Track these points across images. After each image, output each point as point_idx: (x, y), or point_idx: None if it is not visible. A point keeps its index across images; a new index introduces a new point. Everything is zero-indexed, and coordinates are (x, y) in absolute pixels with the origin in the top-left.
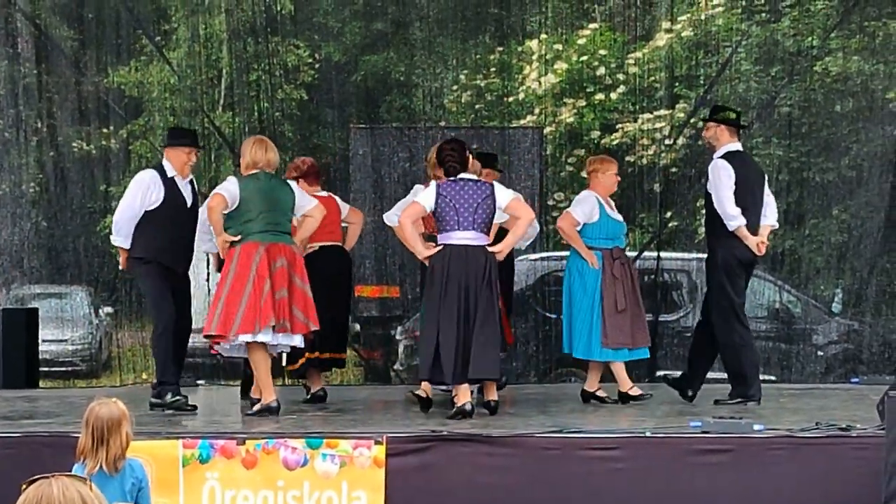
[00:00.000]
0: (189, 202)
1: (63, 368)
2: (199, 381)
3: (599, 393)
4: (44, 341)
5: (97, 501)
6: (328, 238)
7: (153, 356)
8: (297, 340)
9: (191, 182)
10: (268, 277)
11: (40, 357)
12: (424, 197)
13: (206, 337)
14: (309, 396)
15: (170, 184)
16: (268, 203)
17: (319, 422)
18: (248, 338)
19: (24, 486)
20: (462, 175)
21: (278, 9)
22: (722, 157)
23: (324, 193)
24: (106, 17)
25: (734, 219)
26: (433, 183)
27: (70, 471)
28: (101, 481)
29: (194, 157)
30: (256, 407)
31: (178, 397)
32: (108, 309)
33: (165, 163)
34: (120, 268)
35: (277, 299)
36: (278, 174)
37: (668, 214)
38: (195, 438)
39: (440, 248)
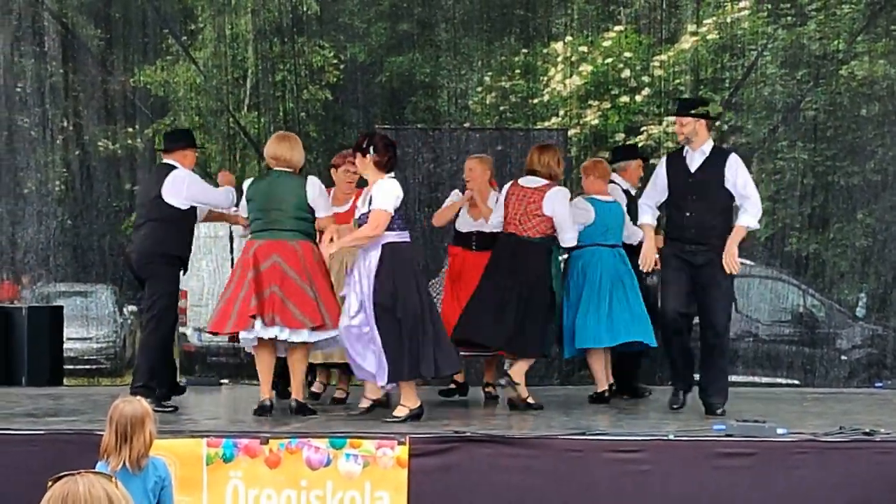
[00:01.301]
0: None
1: (87, 366)
2: (222, 381)
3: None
4: (68, 339)
5: (123, 499)
6: None
7: (145, 357)
8: (305, 336)
9: None
10: (251, 273)
11: (65, 355)
12: (394, 200)
13: (210, 333)
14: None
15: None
16: (268, 202)
17: (343, 422)
18: (244, 334)
19: (49, 483)
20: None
21: (304, 9)
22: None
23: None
24: (133, 17)
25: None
26: (396, 182)
27: (94, 468)
28: (124, 479)
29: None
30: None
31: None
32: (133, 307)
33: (176, 164)
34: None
35: (267, 295)
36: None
37: None
38: (219, 437)
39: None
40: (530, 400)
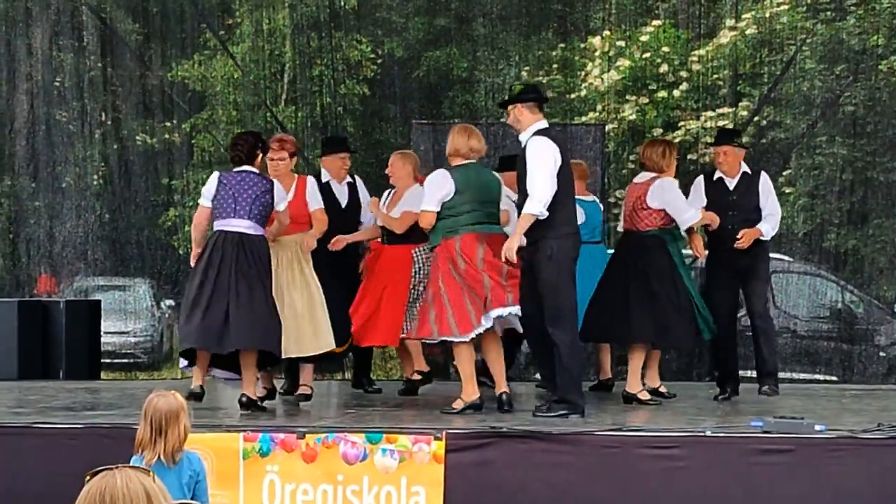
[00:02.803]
0: (343, 204)
1: (125, 360)
2: (258, 375)
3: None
4: (106, 333)
5: (160, 493)
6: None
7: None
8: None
9: (349, 184)
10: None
11: (102, 349)
12: (205, 190)
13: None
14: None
15: (325, 188)
16: (484, 194)
17: (379, 417)
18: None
19: (87, 478)
20: (244, 167)
21: (341, 4)
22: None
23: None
24: (170, 11)
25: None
26: (215, 174)
27: (129, 462)
28: (159, 473)
29: (348, 162)
30: (459, 404)
31: None
32: (170, 302)
33: (323, 170)
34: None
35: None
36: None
37: None
38: (256, 432)
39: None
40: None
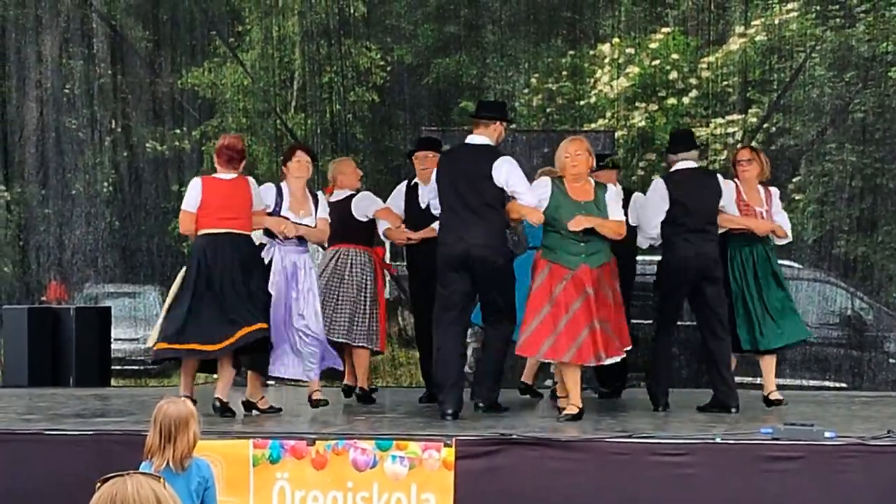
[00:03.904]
0: (423, 205)
1: (135, 367)
2: (268, 382)
3: None
4: (116, 340)
5: (171, 499)
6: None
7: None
8: None
9: None
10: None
11: (112, 356)
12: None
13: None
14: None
15: (412, 190)
16: None
17: (389, 423)
18: None
19: (98, 484)
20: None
21: (351, 11)
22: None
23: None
24: (180, 19)
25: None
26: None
27: (138, 469)
28: (168, 479)
29: (429, 163)
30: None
31: None
32: None
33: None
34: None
35: None
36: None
37: None
38: (266, 438)
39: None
40: None
